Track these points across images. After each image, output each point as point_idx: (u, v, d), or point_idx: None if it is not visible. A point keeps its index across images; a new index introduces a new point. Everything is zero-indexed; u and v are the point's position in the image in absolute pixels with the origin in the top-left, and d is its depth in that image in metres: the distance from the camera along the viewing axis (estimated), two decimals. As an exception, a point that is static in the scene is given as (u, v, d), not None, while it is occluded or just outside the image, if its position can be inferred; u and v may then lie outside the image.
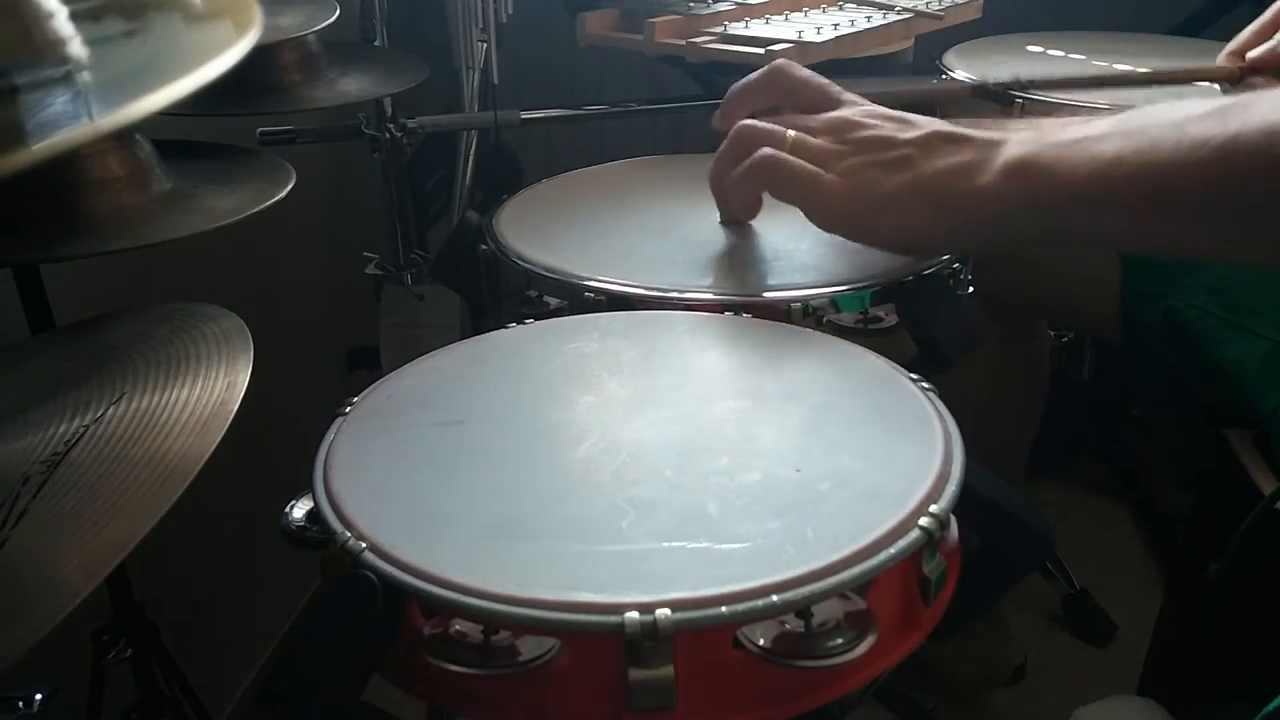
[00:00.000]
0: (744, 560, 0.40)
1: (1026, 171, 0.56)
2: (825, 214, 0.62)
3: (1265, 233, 0.51)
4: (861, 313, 0.66)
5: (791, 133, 0.63)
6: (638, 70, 1.43)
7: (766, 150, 0.62)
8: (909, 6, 1.09)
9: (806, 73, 0.67)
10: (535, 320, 0.62)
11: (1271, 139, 0.49)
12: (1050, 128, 0.57)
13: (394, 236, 1.13)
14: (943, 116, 0.63)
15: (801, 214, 0.74)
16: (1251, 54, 0.81)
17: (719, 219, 0.73)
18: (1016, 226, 0.58)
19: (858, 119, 0.62)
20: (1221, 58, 0.86)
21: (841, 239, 0.68)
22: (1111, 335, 0.89)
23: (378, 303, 1.15)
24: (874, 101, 0.66)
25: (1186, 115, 0.52)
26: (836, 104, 0.65)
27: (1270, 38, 0.76)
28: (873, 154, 0.60)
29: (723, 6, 1.04)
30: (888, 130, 0.61)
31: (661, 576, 0.39)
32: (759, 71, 0.68)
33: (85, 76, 0.36)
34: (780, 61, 0.68)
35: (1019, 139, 0.57)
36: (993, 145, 0.58)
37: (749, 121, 0.65)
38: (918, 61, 1.17)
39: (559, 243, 0.72)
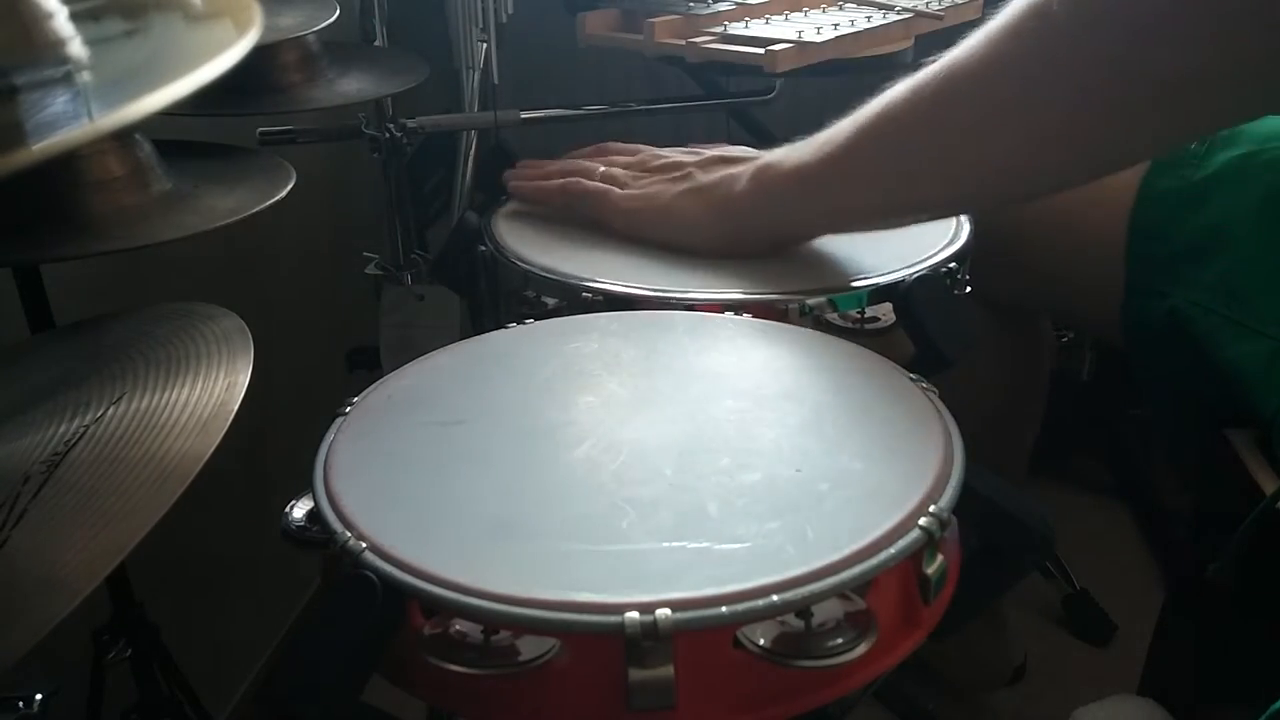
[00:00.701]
0: (744, 560, 0.40)
1: (766, 171, 0.67)
2: (616, 216, 0.73)
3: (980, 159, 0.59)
4: (859, 312, 0.66)
5: (601, 168, 0.77)
6: (638, 70, 1.43)
7: (572, 179, 0.76)
8: (909, 6, 1.09)
9: (585, 163, 0.79)
10: (535, 320, 0.63)
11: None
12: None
13: (394, 236, 1.13)
14: None
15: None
16: None
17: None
18: (772, 220, 0.68)
19: (659, 152, 0.78)
20: None
21: (839, 240, 0.69)
22: (1113, 335, 0.89)
23: (378, 303, 1.15)
24: None
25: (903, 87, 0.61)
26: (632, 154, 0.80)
27: None
28: (664, 174, 0.74)
29: (723, 6, 1.04)
30: (680, 157, 0.75)
31: (661, 576, 0.39)
32: (549, 190, 0.79)
33: (85, 76, 0.36)
34: (568, 182, 0.77)
35: (777, 150, 0.68)
36: (756, 158, 0.69)
37: (576, 177, 0.77)
38: (918, 61, 1.17)
39: (558, 243, 0.72)
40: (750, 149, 0.73)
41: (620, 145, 0.81)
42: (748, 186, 0.67)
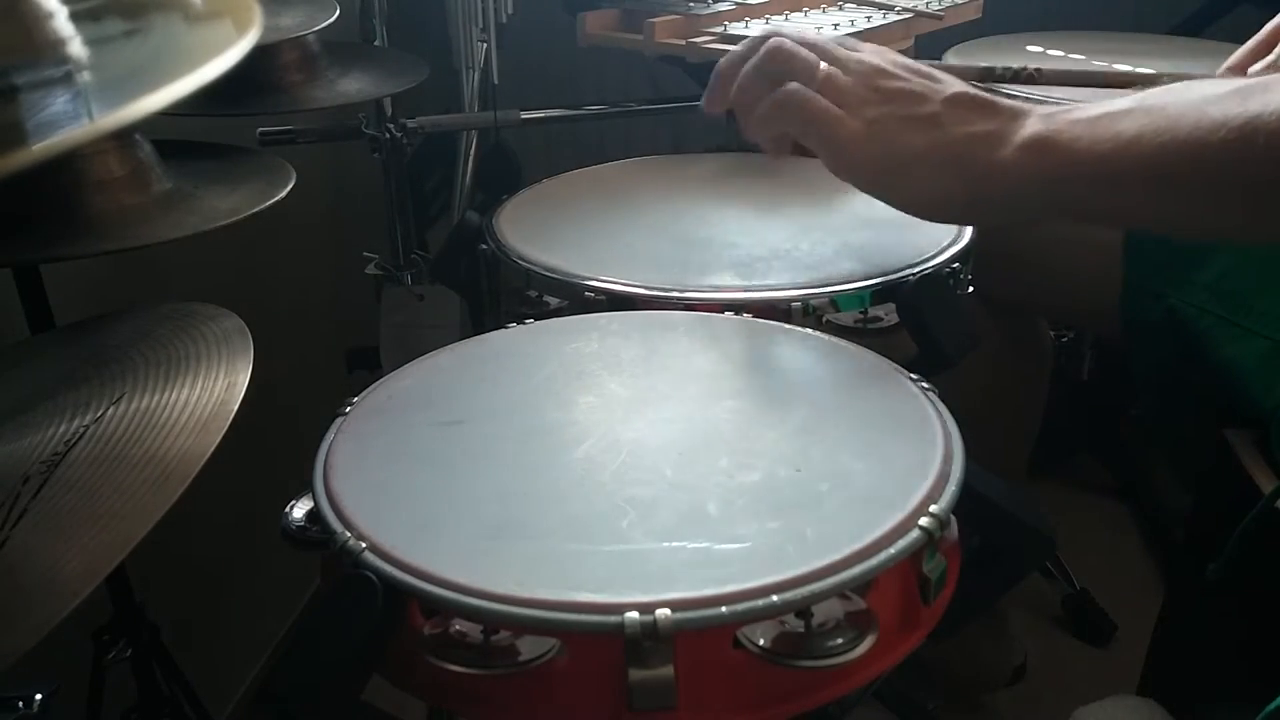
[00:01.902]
0: (744, 560, 0.40)
1: (1045, 147, 0.56)
2: (842, 162, 0.60)
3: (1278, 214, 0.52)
4: (861, 312, 0.66)
5: (824, 66, 0.61)
6: (638, 70, 1.43)
7: (793, 86, 0.60)
8: (909, 6, 1.09)
9: (804, 53, 0.62)
10: (535, 320, 0.63)
11: None
12: (1074, 104, 0.57)
13: (394, 236, 1.13)
14: None
15: (801, 214, 0.75)
16: (1252, 70, 0.81)
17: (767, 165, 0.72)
18: (1032, 201, 0.57)
19: (888, 68, 0.61)
20: (1220, 74, 0.85)
21: (842, 240, 0.69)
22: (1112, 335, 0.89)
23: (378, 303, 1.15)
24: None
25: (1205, 95, 0.52)
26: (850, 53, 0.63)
27: (1269, 53, 0.76)
28: (900, 107, 0.59)
29: (723, 6, 1.04)
30: (917, 85, 0.60)
31: (661, 576, 0.39)
32: (756, 54, 0.63)
33: (85, 76, 0.36)
34: (775, 41, 0.63)
35: (1042, 112, 0.57)
36: (1017, 117, 0.57)
37: (784, 43, 0.62)
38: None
39: (559, 242, 0.72)
40: (991, 94, 0.60)
41: (824, 38, 0.65)
42: (1020, 159, 0.56)
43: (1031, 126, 0.56)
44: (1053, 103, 0.59)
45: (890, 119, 0.59)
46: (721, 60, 0.67)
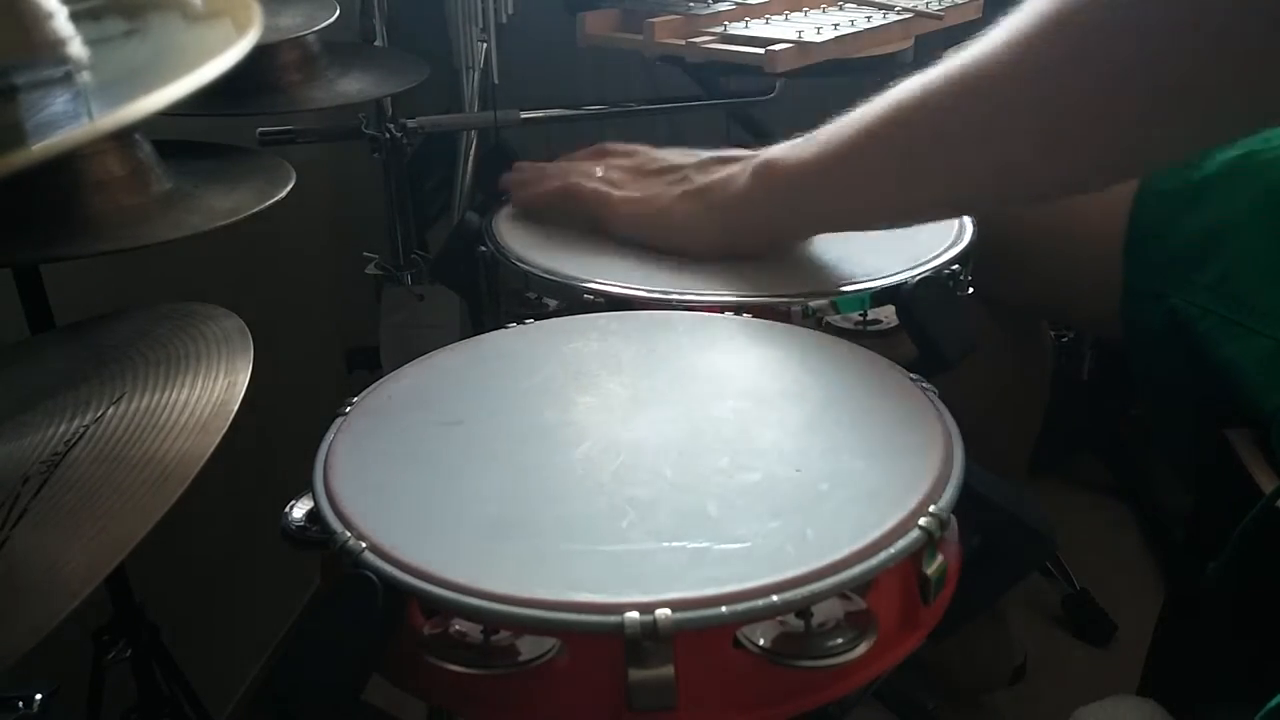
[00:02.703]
0: (744, 560, 0.40)
1: (766, 168, 0.66)
2: (617, 221, 0.72)
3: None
4: (861, 314, 0.66)
5: (599, 170, 0.77)
6: (638, 70, 1.43)
7: (571, 179, 0.75)
8: (909, 6, 1.09)
9: (586, 169, 0.78)
10: (534, 321, 0.63)
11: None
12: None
13: (394, 236, 1.13)
14: None
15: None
16: None
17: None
18: (772, 218, 0.68)
19: (656, 154, 0.77)
20: None
21: (841, 242, 0.69)
22: (1112, 335, 0.89)
23: (378, 303, 1.15)
24: None
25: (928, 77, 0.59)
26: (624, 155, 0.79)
27: None
28: (660, 177, 0.73)
29: (723, 6, 1.04)
30: (676, 160, 0.75)
31: (661, 576, 0.39)
32: (549, 194, 0.77)
33: (85, 76, 0.36)
34: (568, 184, 0.76)
35: (776, 147, 0.67)
36: (754, 157, 0.68)
37: (571, 177, 0.77)
38: (918, 62, 1.17)
39: (559, 244, 0.72)
40: (747, 150, 0.71)
41: (618, 146, 0.80)
42: (748, 184, 0.67)
43: (760, 157, 0.67)
44: None
45: (651, 185, 0.73)
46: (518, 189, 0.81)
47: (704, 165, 0.72)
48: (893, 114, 0.60)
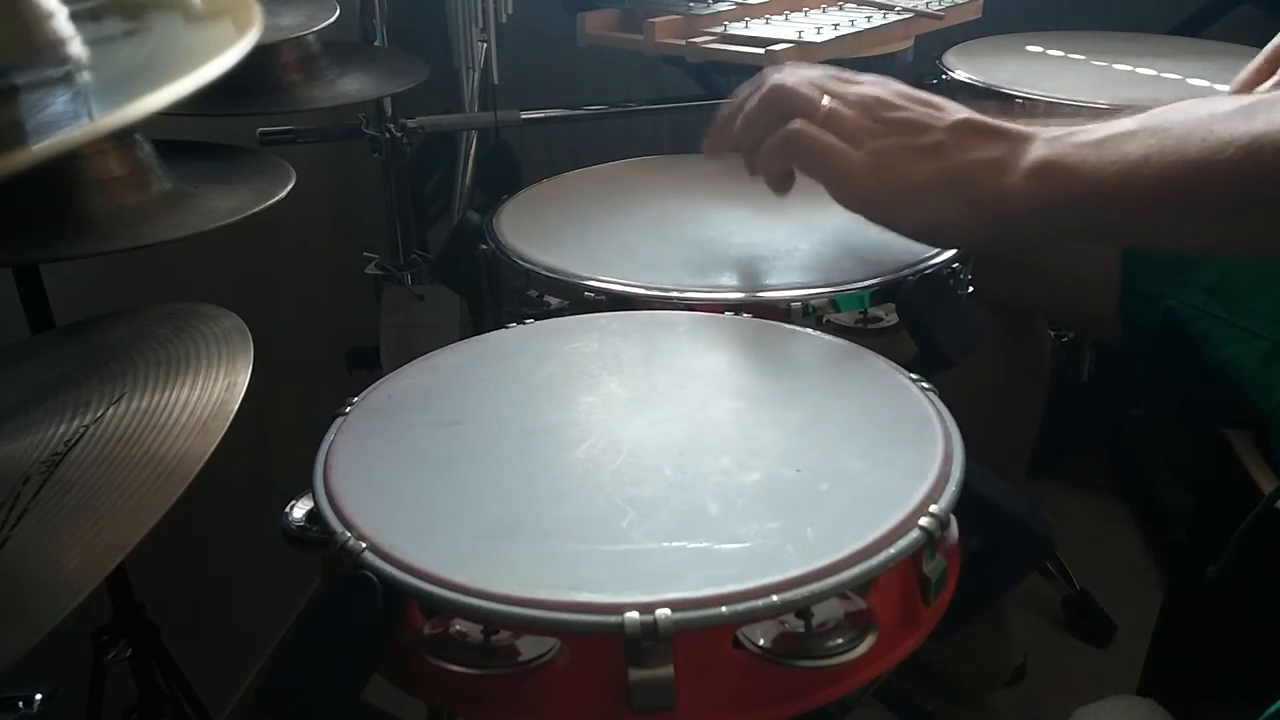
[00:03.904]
0: (744, 560, 0.40)
1: (1052, 173, 0.56)
2: (850, 194, 0.60)
3: None
4: (861, 312, 0.66)
5: (826, 102, 0.61)
6: (638, 70, 1.43)
7: (798, 124, 0.61)
8: (909, 6, 1.09)
9: (806, 90, 0.63)
10: (535, 320, 0.63)
11: None
12: (1079, 128, 0.57)
13: (394, 236, 1.14)
14: None
15: (801, 214, 0.74)
16: (1259, 89, 0.80)
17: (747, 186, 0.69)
18: (1040, 225, 0.58)
19: (890, 99, 0.61)
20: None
21: (842, 240, 0.68)
22: (1111, 336, 0.89)
23: (378, 303, 1.15)
24: None
25: (1212, 113, 0.52)
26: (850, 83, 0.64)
27: (1274, 72, 0.76)
28: (905, 137, 0.59)
29: (723, 6, 1.04)
30: (919, 114, 0.60)
31: (661, 576, 0.39)
32: (758, 94, 0.65)
33: (85, 76, 0.36)
34: (777, 81, 0.64)
35: (1047, 137, 0.57)
36: (1022, 142, 0.57)
37: (784, 81, 0.63)
38: (918, 61, 1.18)
39: (559, 242, 0.72)
40: (999, 119, 0.60)
41: (833, 73, 0.65)
42: (1024, 186, 0.56)
43: (1037, 151, 0.56)
44: (1057, 124, 0.59)
45: (894, 149, 0.59)
46: (724, 105, 0.68)
47: (959, 132, 0.59)
48: (1200, 153, 0.52)
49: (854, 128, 0.60)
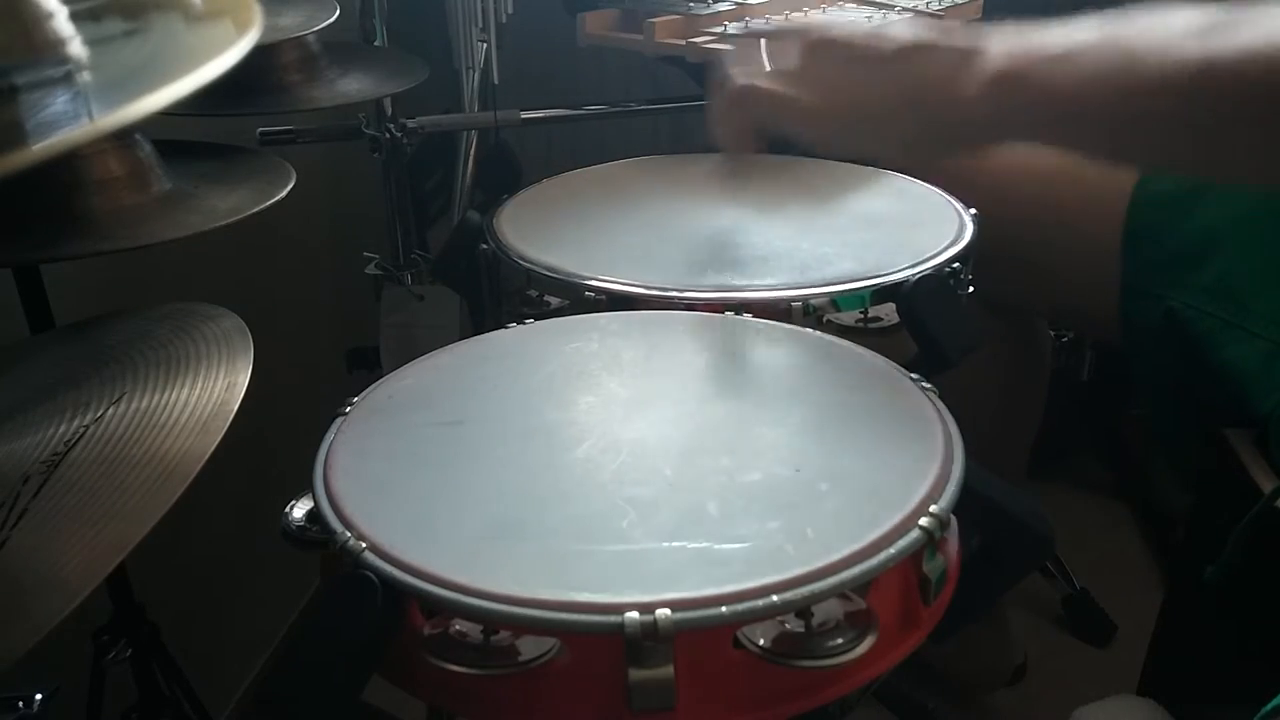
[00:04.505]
0: (744, 560, 0.40)
1: (1010, 83, 0.55)
2: (813, 123, 0.61)
3: (1235, 151, 0.53)
4: (861, 312, 0.66)
5: (768, 63, 0.64)
6: (638, 70, 1.43)
7: (740, 83, 0.63)
8: (909, 6, 1.09)
9: (771, 89, 0.63)
10: (535, 320, 0.63)
11: (1246, 62, 0.49)
12: (1032, 35, 0.57)
13: (394, 236, 1.13)
14: None
15: (801, 214, 0.74)
16: None
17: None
18: (995, 133, 0.58)
19: (832, 37, 0.62)
20: None
21: (842, 240, 0.68)
22: (1111, 336, 0.89)
23: (378, 303, 1.15)
24: None
25: (1170, 32, 0.53)
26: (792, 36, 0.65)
27: None
28: (855, 68, 0.60)
29: (723, 6, 1.04)
30: (864, 44, 0.61)
31: (661, 576, 0.39)
32: (724, 101, 0.65)
33: (85, 76, 0.36)
34: (740, 87, 0.64)
35: (1002, 49, 0.56)
36: (974, 54, 0.57)
37: (736, 84, 0.64)
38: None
39: (560, 242, 0.72)
40: (925, 29, 0.60)
41: (797, 29, 0.66)
42: (987, 97, 0.56)
43: (995, 62, 0.56)
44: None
45: (843, 81, 0.60)
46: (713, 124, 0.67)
47: (905, 55, 0.59)
48: (1150, 70, 0.52)
49: (802, 74, 0.62)
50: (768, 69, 0.64)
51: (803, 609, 0.41)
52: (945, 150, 0.63)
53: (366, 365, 1.21)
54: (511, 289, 0.71)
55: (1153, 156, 0.58)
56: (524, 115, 1.14)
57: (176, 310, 0.57)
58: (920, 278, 0.65)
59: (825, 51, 0.62)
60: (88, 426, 0.46)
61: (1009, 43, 0.57)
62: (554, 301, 0.68)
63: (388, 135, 1.07)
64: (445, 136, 1.25)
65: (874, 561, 0.40)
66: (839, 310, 0.65)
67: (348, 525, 0.43)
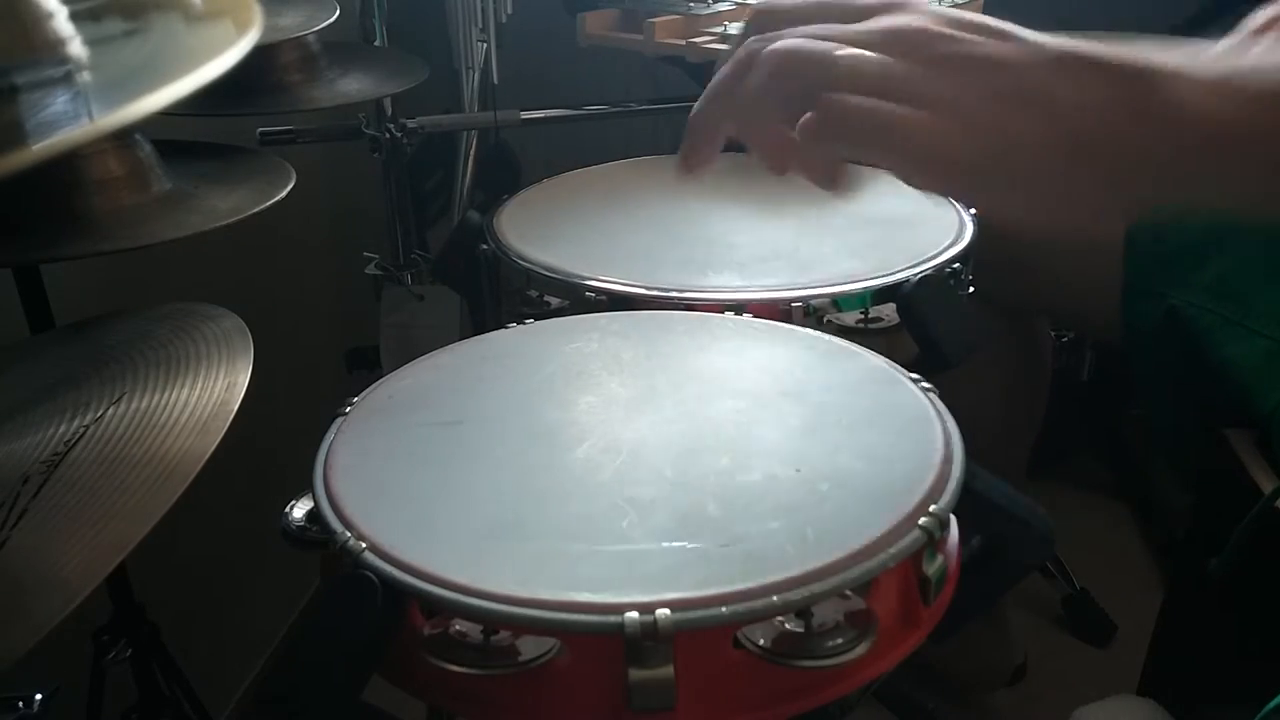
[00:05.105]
0: (744, 560, 0.40)
1: (1173, 115, 0.40)
2: (936, 171, 0.41)
3: None
4: (862, 312, 0.66)
5: (842, 52, 0.42)
6: (638, 70, 1.43)
7: (831, 98, 0.41)
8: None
9: (814, 47, 0.44)
10: (535, 320, 0.63)
11: None
12: (1190, 56, 0.43)
13: (394, 236, 1.13)
14: None
15: (801, 214, 0.74)
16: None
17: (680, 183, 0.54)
18: (1184, 183, 0.42)
19: (931, 27, 0.42)
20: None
21: (842, 240, 0.68)
22: (1112, 336, 0.89)
23: (378, 303, 1.15)
24: None
25: None
26: (865, 15, 0.44)
27: None
28: (985, 79, 0.40)
29: (723, 6, 1.04)
30: (988, 45, 0.41)
31: (661, 576, 0.39)
32: (756, 73, 0.45)
33: (85, 76, 0.36)
34: (775, 49, 0.44)
35: (1171, 69, 0.41)
36: (1142, 75, 0.41)
37: (784, 47, 0.44)
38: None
39: (560, 242, 0.72)
40: (1055, 38, 0.43)
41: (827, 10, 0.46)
42: (1151, 134, 0.40)
43: (1171, 89, 0.40)
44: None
45: (973, 97, 0.40)
46: (701, 101, 0.50)
47: (1061, 70, 0.41)
48: None
49: (896, 77, 0.41)
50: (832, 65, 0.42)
51: (803, 609, 0.41)
52: (1125, 211, 0.47)
53: (366, 365, 1.21)
54: (511, 289, 0.71)
55: None
56: (524, 115, 1.14)
57: (176, 310, 0.57)
58: (921, 278, 0.65)
59: (929, 49, 0.41)
60: (88, 426, 0.46)
61: (1171, 63, 0.42)
62: (554, 301, 0.68)
63: (388, 135, 1.07)
64: (445, 136, 1.25)
65: (874, 562, 0.40)
66: (839, 310, 0.65)
67: (348, 525, 0.43)
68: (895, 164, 0.42)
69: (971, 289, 0.71)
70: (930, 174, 0.41)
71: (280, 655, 1.26)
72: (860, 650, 0.41)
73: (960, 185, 0.42)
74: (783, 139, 0.45)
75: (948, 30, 0.42)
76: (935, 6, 0.44)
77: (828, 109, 0.42)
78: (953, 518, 0.45)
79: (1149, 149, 0.41)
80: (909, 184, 0.42)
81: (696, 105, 0.50)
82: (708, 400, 0.52)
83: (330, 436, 0.50)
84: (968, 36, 0.42)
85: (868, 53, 0.42)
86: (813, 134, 0.42)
